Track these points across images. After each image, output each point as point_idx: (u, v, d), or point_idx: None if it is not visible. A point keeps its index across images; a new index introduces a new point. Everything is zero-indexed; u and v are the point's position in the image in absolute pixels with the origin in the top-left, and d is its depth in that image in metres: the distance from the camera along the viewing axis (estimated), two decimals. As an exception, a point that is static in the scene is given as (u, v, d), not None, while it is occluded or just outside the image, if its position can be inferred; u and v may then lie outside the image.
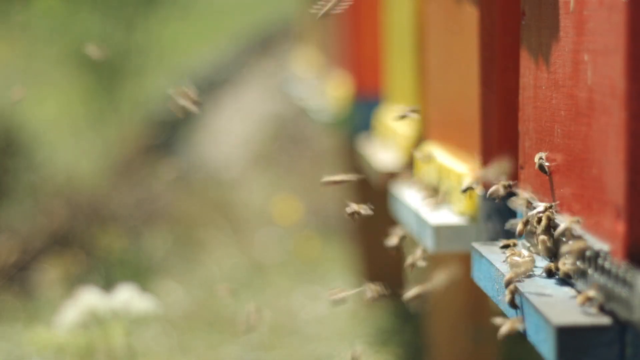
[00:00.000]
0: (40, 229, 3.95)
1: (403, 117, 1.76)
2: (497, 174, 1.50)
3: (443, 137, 1.85)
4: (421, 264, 1.60)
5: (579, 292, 1.21)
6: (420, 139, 2.10)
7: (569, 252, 1.21)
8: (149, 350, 2.98)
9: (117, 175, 4.74)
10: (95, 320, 1.99)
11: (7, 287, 3.57)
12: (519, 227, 1.36)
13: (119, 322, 2.01)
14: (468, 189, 1.58)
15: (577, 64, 1.23)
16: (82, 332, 2.02)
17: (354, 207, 1.55)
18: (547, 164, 1.34)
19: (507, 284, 1.26)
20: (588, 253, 1.18)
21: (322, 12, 1.61)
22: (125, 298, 2.01)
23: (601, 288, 1.15)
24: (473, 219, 1.63)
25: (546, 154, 1.35)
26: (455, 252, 1.66)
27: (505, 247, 1.40)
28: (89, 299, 2.01)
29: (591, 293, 1.15)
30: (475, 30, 1.61)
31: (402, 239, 1.66)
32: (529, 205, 1.39)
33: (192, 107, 1.61)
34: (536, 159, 1.37)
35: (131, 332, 2.08)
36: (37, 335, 2.07)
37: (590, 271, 1.17)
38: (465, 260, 1.73)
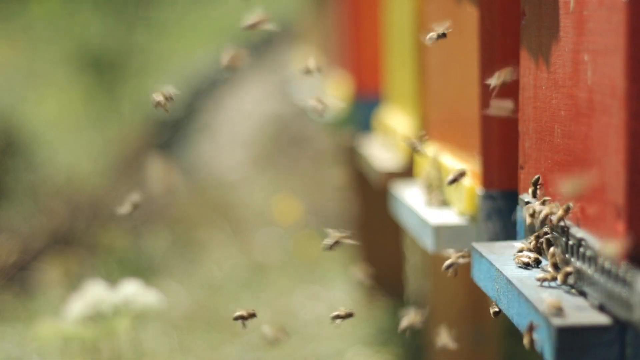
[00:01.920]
0: (40, 229, 3.94)
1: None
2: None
3: (443, 137, 1.85)
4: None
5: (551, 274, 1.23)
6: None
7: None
8: (149, 350, 2.98)
9: (117, 175, 4.74)
10: (100, 313, 2.00)
11: (7, 287, 3.57)
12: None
13: (124, 315, 2.02)
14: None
15: (577, 64, 1.23)
16: (87, 325, 2.03)
17: None
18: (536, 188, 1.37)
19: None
20: (588, 253, 1.19)
21: None
22: (130, 292, 2.02)
23: (577, 269, 1.20)
24: (473, 219, 1.63)
25: (539, 178, 1.38)
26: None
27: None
28: (95, 291, 2.02)
29: (569, 268, 1.21)
30: (475, 30, 1.61)
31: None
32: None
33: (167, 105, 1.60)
34: (529, 190, 1.39)
35: (136, 327, 2.09)
36: (43, 327, 2.07)
37: (590, 271, 1.17)
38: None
